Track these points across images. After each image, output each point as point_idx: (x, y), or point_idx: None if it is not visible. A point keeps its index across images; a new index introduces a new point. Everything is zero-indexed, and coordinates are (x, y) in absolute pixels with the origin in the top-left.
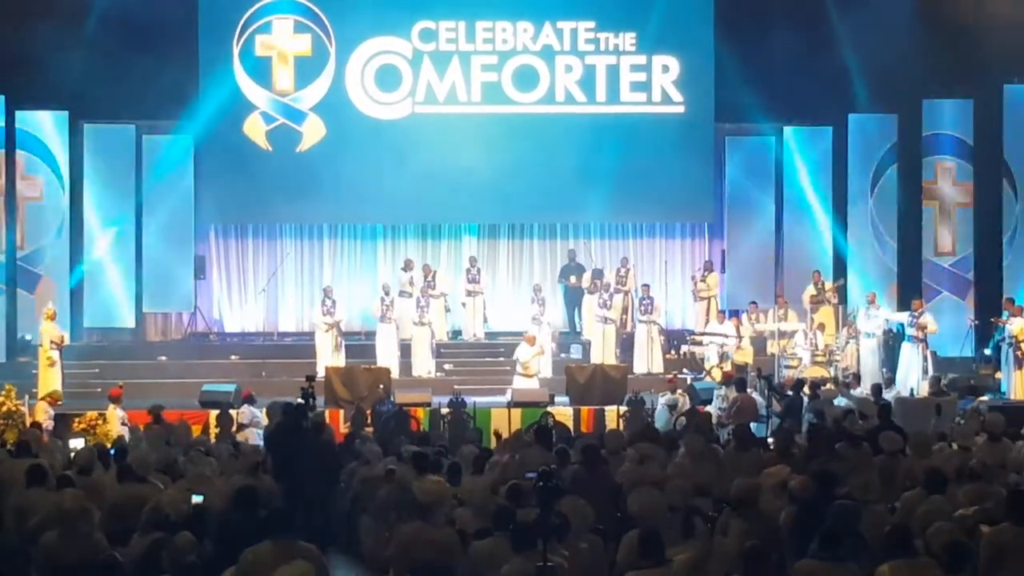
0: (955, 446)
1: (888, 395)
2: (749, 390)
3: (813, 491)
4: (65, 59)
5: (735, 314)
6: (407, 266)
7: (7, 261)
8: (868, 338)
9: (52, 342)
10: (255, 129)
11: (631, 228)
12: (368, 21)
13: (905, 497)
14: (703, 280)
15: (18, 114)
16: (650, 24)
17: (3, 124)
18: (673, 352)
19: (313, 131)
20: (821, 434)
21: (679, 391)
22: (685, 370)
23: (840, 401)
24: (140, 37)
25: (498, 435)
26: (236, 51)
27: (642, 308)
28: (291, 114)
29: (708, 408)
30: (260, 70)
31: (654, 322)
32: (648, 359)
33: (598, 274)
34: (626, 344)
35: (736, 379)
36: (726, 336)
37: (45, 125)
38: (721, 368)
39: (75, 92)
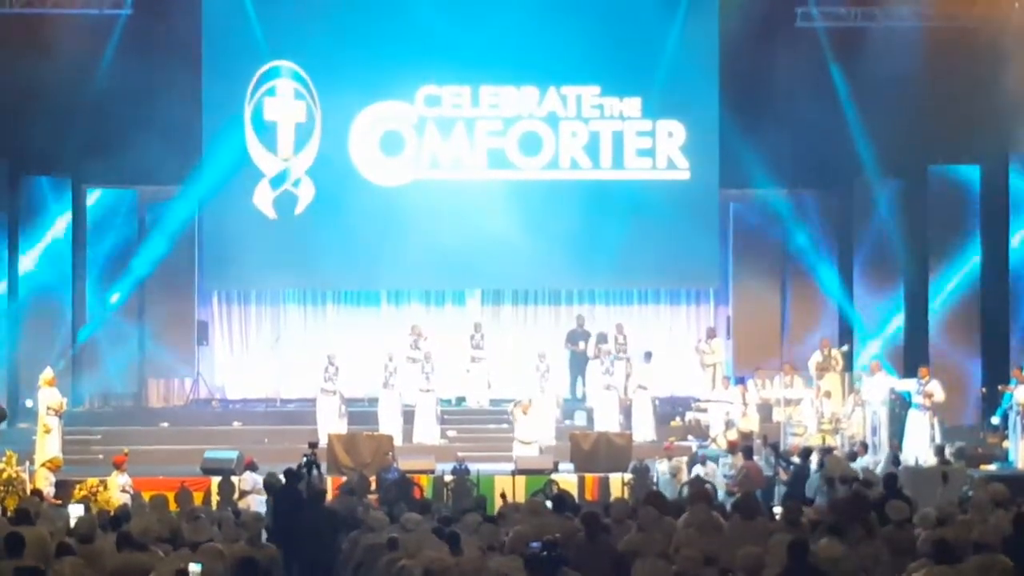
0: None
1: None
2: (755, 458)
3: (785, 560)
4: (68, 125)
5: (741, 381)
6: (413, 331)
7: (10, 324)
8: (884, 406)
9: (50, 408)
10: (263, 198)
11: (636, 294)
12: (373, 86)
13: (912, 568)
14: (707, 347)
15: (21, 179)
16: (655, 90)
17: (7, 189)
18: (678, 419)
19: (310, 197)
20: (843, 503)
21: (675, 458)
22: (690, 437)
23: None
24: (144, 102)
25: (503, 496)
26: (247, 114)
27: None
28: (291, 180)
29: (712, 473)
30: (267, 135)
31: (643, 387)
32: (643, 426)
33: (602, 338)
34: (628, 411)
35: (743, 447)
36: (731, 403)
37: (48, 190)
38: (726, 436)
39: (78, 157)
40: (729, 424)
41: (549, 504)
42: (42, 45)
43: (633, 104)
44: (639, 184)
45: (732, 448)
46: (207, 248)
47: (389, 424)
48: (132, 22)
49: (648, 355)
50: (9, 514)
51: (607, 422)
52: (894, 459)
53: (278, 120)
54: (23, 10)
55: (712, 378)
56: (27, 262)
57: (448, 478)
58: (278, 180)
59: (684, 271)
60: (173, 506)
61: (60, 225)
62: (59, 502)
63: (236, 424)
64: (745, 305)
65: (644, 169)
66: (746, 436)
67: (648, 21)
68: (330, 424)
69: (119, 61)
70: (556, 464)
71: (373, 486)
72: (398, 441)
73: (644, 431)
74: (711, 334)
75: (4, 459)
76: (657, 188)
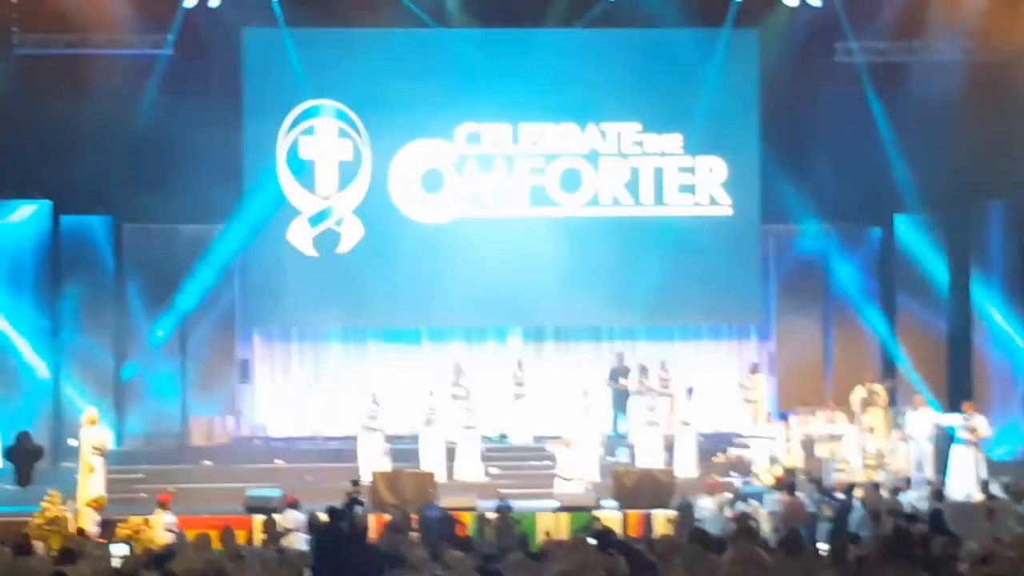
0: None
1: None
2: (799, 494)
3: None
4: (110, 163)
5: (784, 416)
6: (455, 369)
7: (54, 362)
8: (929, 441)
9: (94, 447)
10: (299, 235)
11: (678, 330)
12: (412, 124)
13: None
14: (750, 382)
15: (63, 218)
16: (696, 126)
17: (49, 228)
18: (720, 455)
19: (355, 234)
20: (888, 539)
21: (719, 494)
22: (733, 473)
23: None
24: (185, 140)
25: (547, 533)
26: (283, 153)
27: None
28: (334, 218)
29: (761, 511)
30: (304, 173)
31: (686, 423)
32: (686, 462)
33: (643, 371)
34: (672, 447)
35: (786, 483)
36: (774, 439)
37: (90, 228)
38: (770, 472)
39: (120, 196)
40: (772, 460)
41: (592, 541)
42: (84, 84)
43: (674, 140)
44: (680, 220)
45: (776, 484)
46: (249, 285)
47: (431, 461)
48: (173, 61)
49: (690, 391)
50: (53, 553)
51: (650, 458)
52: (937, 494)
53: (317, 158)
54: (65, 50)
55: (755, 414)
56: (70, 300)
57: (491, 515)
58: (318, 218)
59: (726, 307)
60: (217, 545)
61: (102, 263)
62: (103, 541)
63: (279, 462)
64: (788, 340)
65: (685, 205)
66: (790, 472)
67: (688, 57)
68: (373, 462)
69: (161, 100)
70: (599, 501)
71: (415, 524)
72: (441, 478)
73: (687, 467)
74: (754, 370)
75: (48, 498)
76: (698, 224)
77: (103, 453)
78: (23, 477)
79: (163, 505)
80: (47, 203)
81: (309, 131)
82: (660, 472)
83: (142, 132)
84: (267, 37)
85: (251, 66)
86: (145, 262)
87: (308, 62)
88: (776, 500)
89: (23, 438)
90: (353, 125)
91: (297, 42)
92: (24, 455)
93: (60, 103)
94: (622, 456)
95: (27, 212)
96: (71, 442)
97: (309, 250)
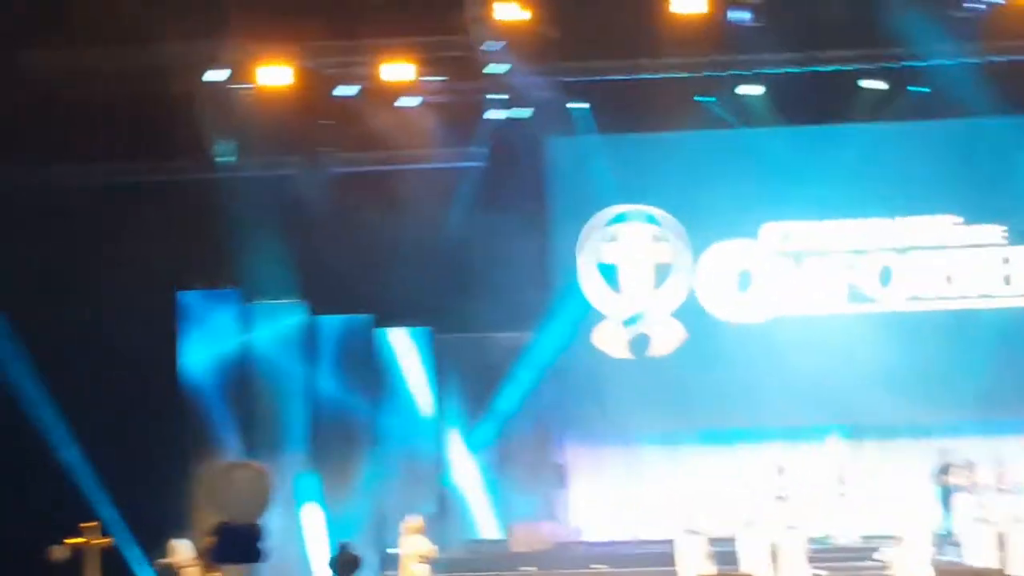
0: None
1: None
2: None
3: None
4: (423, 276)
5: None
6: (778, 469)
7: (376, 471)
8: None
9: (420, 556)
10: (607, 339)
11: (1004, 424)
12: (718, 225)
13: None
14: None
15: (379, 331)
16: (1019, 214)
17: (370, 342)
18: None
19: (670, 337)
20: None
21: None
22: None
23: None
24: (493, 249)
25: None
26: (586, 260)
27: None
28: (645, 321)
29: None
30: (611, 277)
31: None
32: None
33: (971, 467)
34: (1003, 545)
35: None
36: None
37: (407, 341)
38: None
39: (434, 307)
40: None
41: None
42: (395, 198)
43: (994, 231)
44: (1006, 312)
45: None
46: (563, 390)
47: (753, 564)
48: (480, 172)
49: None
50: None
51: (981, 557)
52: None
53: (623, 262)
54: (375, 167)
55: None
56: (392, 411)
57: None
58: (629, 322)
59: None
60: None
61: (420, 373)
62: None
63: (599, 567)
64: None
65: (1011, 296)
66: None
67: (1002, 143)
68: (694, 565)
69: (469, 210)
70: None
71: None
72: None
73: (1022, 566)
74: None
75: None
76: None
77: (428, 561)
78: None
79: None
80: (368, 316)
81: (615, 236)
82: (993, 571)
83: (452, 242)
84: (571, 145)
85: (556, 173)
86: (461, 370)
87: (612, 168)
88: None
89: (344, 548)
90: (662, 227)
91: (600, 149)
92: (345, 566)
93: (374, 218)
94: (951, 555)
95: (348, 325)
96: (392, 551)
97: (620, 353)
